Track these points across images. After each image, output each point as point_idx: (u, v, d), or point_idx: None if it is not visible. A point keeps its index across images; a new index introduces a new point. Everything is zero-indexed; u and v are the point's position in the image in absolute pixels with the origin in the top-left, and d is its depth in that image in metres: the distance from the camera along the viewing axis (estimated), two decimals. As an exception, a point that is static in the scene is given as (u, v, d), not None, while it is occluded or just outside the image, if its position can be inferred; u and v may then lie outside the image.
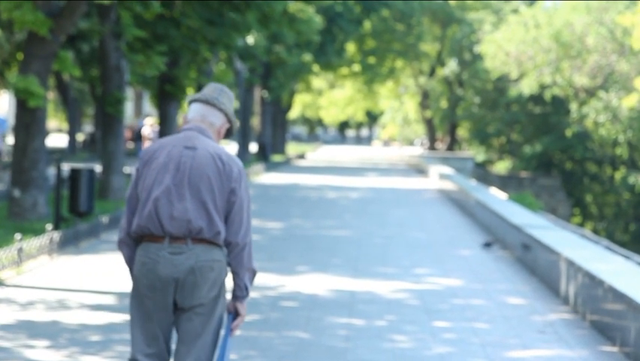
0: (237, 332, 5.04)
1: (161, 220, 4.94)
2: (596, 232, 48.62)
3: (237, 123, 5.38)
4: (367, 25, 61.11)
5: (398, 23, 64.13)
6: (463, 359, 8.47)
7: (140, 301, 5.03)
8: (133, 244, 5.11)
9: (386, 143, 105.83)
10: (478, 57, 61.84)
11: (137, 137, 38.45)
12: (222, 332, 5.11)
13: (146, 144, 42.00)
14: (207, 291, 4.97)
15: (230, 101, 5.24)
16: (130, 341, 5.09)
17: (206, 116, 5.16)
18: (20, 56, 18.65)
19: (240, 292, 5.10)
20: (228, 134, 5.45)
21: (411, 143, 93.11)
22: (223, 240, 5.01)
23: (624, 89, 51.38)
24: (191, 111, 5.20)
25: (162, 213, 4.94)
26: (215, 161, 5.01)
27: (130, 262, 5.15)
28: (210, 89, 5.23)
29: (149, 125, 34.54)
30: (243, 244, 5.04)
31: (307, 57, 50.65)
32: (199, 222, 4.94)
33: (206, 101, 5.17)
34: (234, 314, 5.12)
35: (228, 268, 5.14)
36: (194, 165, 4.98)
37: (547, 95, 55.36)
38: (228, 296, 5.21)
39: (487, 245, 16.86)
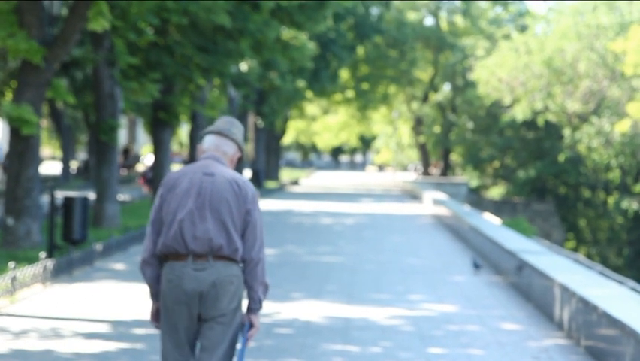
0: (252, 343, 5.51)
1: (186, 240, 5.46)
2: (589, 256, 48.63)
3: (246, 152, 5.56)
4: (361, 51, 61.32)
5: (391, 49, 64.34)
6: (457, 385, 8.44)
7: (168, 314, 5.51)
8: (157, 264, 5.60)
9: (381, 168, 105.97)
10: (470, 83, 62.05)
11: (149, 181, 38.84)
12: (239, 344, 5.55)
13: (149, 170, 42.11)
14: (228, 303, 5.47)
15: (241, 132, 5.77)
16: (161, 352, 5.56)
17: (219, 146, 5.71)
18: (14, 83, 18.69)
19: (254, 304, 5.58)
20: (239, 163, 5.87)
21: (405, 168, 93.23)
22: (240, 257, 5.52)
23: (616, 115, 51.57)
24: (205, 142, 5.74)
25: (186, 233, 5.46)
26: (232, 185, 5.55)
27: (152, 281, 5.62)
28: (222, 121, 5.78)
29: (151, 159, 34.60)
30: (257, 260, 5.56)
31: (301, 83, 50.78)
32: (219, 241, 5.47)
33: (219, 133, 5.72)
34: (249, 325, 5.57)
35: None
36: (214, 189, 5.52)
37: (540, 120, 55.54)
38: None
39: (477, 267, 16.90)
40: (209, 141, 5.73)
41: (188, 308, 5.47)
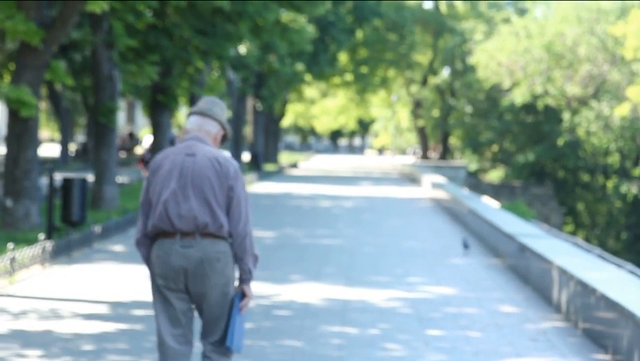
0: (245, 311, 5.84)
1: (172, 219, 5.69)
2: (588, 240, 48.70)
3: (230, 130, 6.10)
4: (360, 34, 61.22)
5: (390, 33, 64.23)
6: (456, 367, 8.47)
7: (158, 290, 5.78)
8: (149, 243, 5.84)
9: (380, 151, 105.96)
10: (470, 67, 61.95)
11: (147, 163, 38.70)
12: (232, 312, 5.78)
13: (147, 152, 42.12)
14: (217, 279, 5.70)
15: (223, 111, 5.94)
16: (156, 328, 5.78)
17: (202, 125, 5.89)
18: (12, 66, 18.66)
19: (246, 275, 5.80)
20: (224, 140, 6.03)
21: (403, 152, 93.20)
22: (227, 232, 5.72)
23: (616, 99, 51.52)
24: (189, 123, 5.93)
25: (171, 212, 5.69)
26: (214, 163, 5.73)
27: (147, 259, 5.87)
28: (204, 102, 5.95)
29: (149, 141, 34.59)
30: (244, 234, 5.75)
31: (300, 67, 50.72)
32: (204, 218, 5.67)
33: (202, 113, 5.90)
34: (241, 295, 5.81)
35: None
36: (195, 168, 5.72)
37: (540, 104, 55.47)
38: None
39: (466, 247, 17.06)
40: (192, 122, 5.91)
41: (176, 283, 5.70)
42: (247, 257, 5.78)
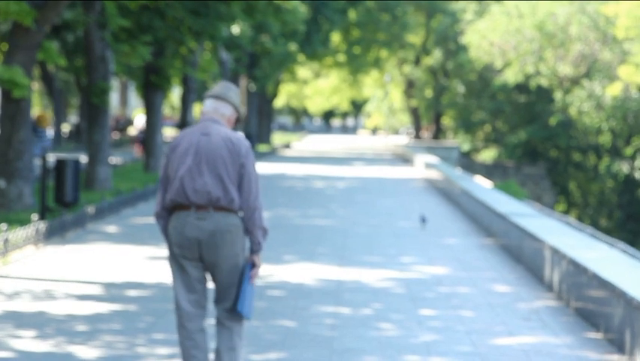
0: (255, 279, 6.30)
1: (187, 193, 6.15)
2: (580, 219, 48.80)
3: (243, 113, 6.58)
4: (352, 15, 61.06)
5: (383, 13, 64.09)
6: (448, 346, 8.52)
7: (175, 258, 6.25)
8: (167, 216, 6.31)
9: (374, 131, 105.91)
10: (462, 47, 61.87)
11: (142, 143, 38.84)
12: (243, 280, 6.23)
13: (139, 132, 42.07)
14: (229, 249, 6.18)
15: (237, 96, 6.41)
16: (174, 294, 6.26)
17: (217, 108, 6.36)
18: (4, 46, 18.59)
19: (255, 246, 6.28)
20: (237, 122, 6.52)
21: (396, 132, 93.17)
22: (238, 206, 6.19)
23: (608, 78, 51.54)
24: (205, 105, 6.39)
25: (187, 187, 6.16)
26: (227, 143, 6.22)
27: (165, 230, 6.34)
28: (220, 86, 6.42)
29: (141, 120, 34.56)
30: (253, 208, 6.23)
31: (292, 47, 50.59)
32: (217, 193, 6.15)
33: (217, 97, 6.37)
34: (251, 265, 6.27)
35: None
36: (210, 147, 6.20)
37: (532, 84, 55.45)
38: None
39: (423, 221, 17.65)
40: (208, 105, 6.37)
41: (191, 253, 6.17)
42: (256, 230, 6.24)
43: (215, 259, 6.18)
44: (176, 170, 6.22)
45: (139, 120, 34.90)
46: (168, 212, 6.31)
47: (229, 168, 6.19)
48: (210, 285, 6.34)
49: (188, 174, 6.18)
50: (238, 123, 6.57)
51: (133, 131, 41.81)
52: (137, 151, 41.03)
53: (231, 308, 6.24)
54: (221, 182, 6.16)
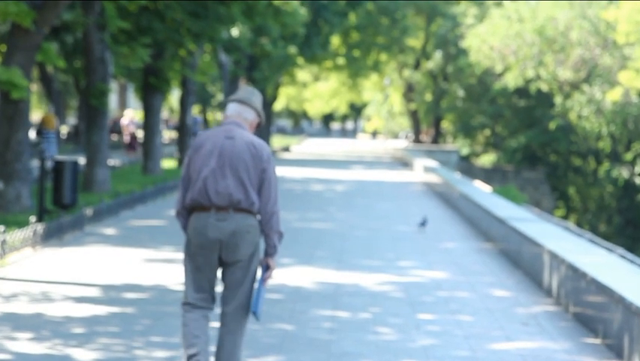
0: (269, 281, 6.45)
1: (209, 194, 6.31)
2: (579, 224, 48.77)
3: (264, 118, 6.77)
4: (352, 18, 61.05)
5: (383, 17, 64.09)
6: (446, 351, 8.49)
7: (192, 257, 6.38)
8: (187, 215, 6.46)
9: (373, 135, 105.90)
10: (462, 51, 61.87)
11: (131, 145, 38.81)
12: (256, 283, 6.40)
13: (126, 133, 41.98)
14: (246, 249, 6.33)
15: (259, 101, 6.59)
16: (184, 289, 6.41)
17: (241, 113, 6.55)
18: (3, 47, 18.56)
19: (270, 249, 6.43)
20: (258, 127, 6.70)
21: (396, 136, 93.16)
22: (257, 209, 6.35)
23: (608, 83, 51.52)
24: (229, 109, 6.58)
25: (210, 188, 6.31)
26: (250, 147, 6.37)
27: (185, 228, 6.48)
28: (243, 91, 6.61)
29: (129, 117, 34.45)
30: (271, 212, 6.38)
31: (292, 50, 50.55)
32: (238, 195, 6.30)
33: (241, 101, 6.56)
34: (266, 267, 6.43)
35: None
36: (234, 151, 6.35)
37: (532, 88, 55.45)
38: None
39: (423, 224, 17.74)
40: (231, 108, 6.57)
41: (211, 253, 6.32)
42: (273, 233, 6.40)
43: (233, 258, 6.33)
44: (198, 171, 6.36)
45: (125, 119, 34.74)
46: (187, 211, 6.45)
47: (251, 172, 6.34)
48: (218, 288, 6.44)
49: (211, 176, 6.32)
50: (259, 128, 6.72)
51: (126, 136, 41.62)
52: (130, 154, 40.95)
53: (237, 309, 6.37)
54: (242, 185, 6.31)
